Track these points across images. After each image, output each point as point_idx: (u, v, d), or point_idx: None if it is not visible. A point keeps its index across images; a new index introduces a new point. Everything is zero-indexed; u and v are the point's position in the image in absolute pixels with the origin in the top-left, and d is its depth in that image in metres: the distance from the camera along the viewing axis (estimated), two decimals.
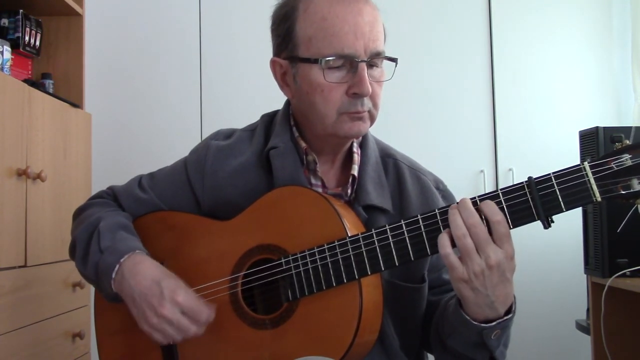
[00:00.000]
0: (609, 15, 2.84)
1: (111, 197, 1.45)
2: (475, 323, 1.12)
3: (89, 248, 1.30)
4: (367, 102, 1.23)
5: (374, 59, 1.22)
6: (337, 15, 1.20)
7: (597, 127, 2.06)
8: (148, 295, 1.21)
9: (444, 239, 1.09)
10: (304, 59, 1.23)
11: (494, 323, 1.12)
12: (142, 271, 1.23)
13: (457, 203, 1.10)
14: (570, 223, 2.31)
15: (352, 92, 1.21)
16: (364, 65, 1.20)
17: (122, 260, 1.25)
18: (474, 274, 1.07)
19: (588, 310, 2.20)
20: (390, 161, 1.36)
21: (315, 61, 1.21)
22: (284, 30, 1.26)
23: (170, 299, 1.20)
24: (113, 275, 1.25)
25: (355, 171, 1.31)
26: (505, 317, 1.12)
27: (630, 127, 2.14)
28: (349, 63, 1.21)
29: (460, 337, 1.18)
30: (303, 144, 1.31)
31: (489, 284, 1.07)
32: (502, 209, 1.08)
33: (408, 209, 1.30)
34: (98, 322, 1.40)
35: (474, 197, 1.10)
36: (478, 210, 1.08)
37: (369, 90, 1.20)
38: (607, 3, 2.83)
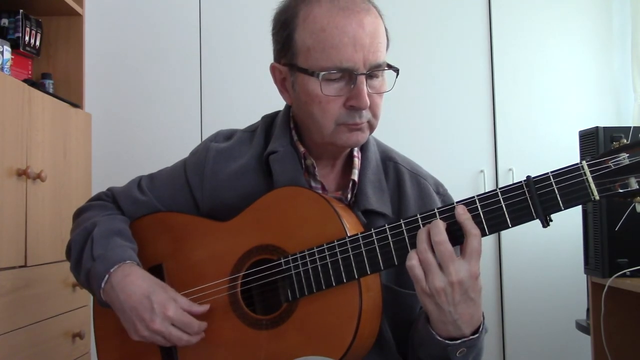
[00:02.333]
0: (609, 15, 2.83)
1: (110, 199, 1.45)
2: (439, 339, 1.12)
3: (82, 254, 1.31)
4: (366, 114, 1.21)
5: (374, 70, 1.20)
6: (337, 26, 1.17)
7: (597, 127, 2.05)
8: (139, 309, 1.22)
9: (412, 252, 1.10)
10: (302, 69, 1.21)
11: (458, 341, 1.12)
12: (131, 284, 1.23)
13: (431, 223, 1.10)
14: (570, 223, 2.32)
15: (350, 104, 1.19)
16: (362, 79, 1.18)
17: (111, 270, 1.25)
18: (435, 289, 1.07)
19: (588, 310, 2.20)
20: (390, 164, 1.35)
21: (313, 73, 1.19)
22: (284, 38, 1.24)
23: (161, 314, 1.21)
24: (102, 285, 1.25)
25: (355, 176, 1.30)
26: (471, 337, 1.12)
27: (630, 127, 2.14)
28: (348, 75, 1.19)
29: (427, 350, 1.18)
30: (301, 149, 1.31)
31: (450, 301, 1.08)
32: (500, 207, 1.08)
33: (406, 213, 1.29)
34: (97, 323, 1.40)
35: (473, 197, 1.10)
36: (455, 223, 1.08)
37: (367, 104, 1.19)
38: (607, 3, 2.83)
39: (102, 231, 1.31)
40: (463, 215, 1.08)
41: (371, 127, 1.25)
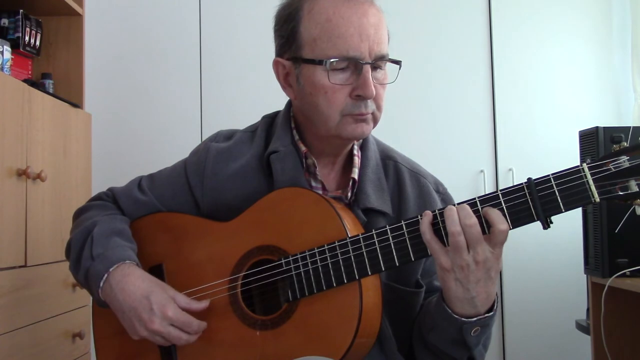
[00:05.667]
0: (609, 15, 2.83)
1: (110, 199, 1.45)
2: (456, 316, 1.13)
3: (81, 253, 1.30)
4: (371, 104, 1.23)
5: (378, 61, 1.22)
6: (342, 16, 1.20)
7: (597, 127, 2.05)
8: (138, 309, 1.22)
9: (424, 226, 1.10)
10: (308, 60, 1.22)
11: (474, 319, 1.13)
12: (130, 284, 1.23)
13: (455, 205, 1.10)
14: (570, 223, 2.31)
15: (356, 94, 1.21)
16: (368, 68, 1.20)
17: (110, 269, 1.25)
18: (459, 266, 1.08)
19: (588, 310, 2.20)
20: (390, 163, 1.36)
21: (320, 62, 1.20)
22: (288, 31, 1.26)
23: (160, 314, 1.21)
24: (100, 285, 1.25)
25: (355, 174, 1.31)
26: (486, 315, 1.14)
27: (630, 127, 2.14)
28: (354, 65, 1.21)
29: (440, 332, 1.19)
30: (303, 148, 1.31)
31: (472, 279, 1.09)
32: (501, 209, 1.08)
33: (407, 212, 1.30)
34: (96, 323, 1.40)
35: (474, 198, 1.10)
36: (479, 216, 1.08)
37: (372, 92, 1.20)
38: (607, 3, 2.83)
39: (102, 230, 1.31)
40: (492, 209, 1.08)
41: (375, 120, 1.26)
